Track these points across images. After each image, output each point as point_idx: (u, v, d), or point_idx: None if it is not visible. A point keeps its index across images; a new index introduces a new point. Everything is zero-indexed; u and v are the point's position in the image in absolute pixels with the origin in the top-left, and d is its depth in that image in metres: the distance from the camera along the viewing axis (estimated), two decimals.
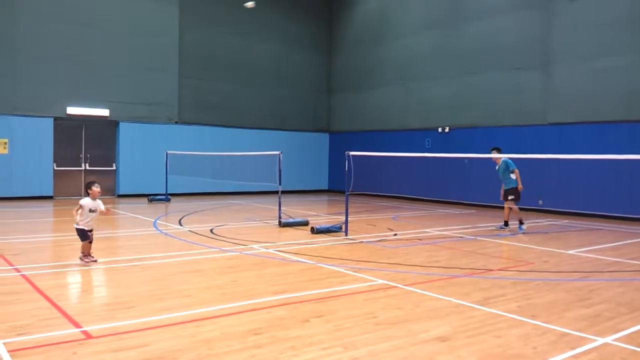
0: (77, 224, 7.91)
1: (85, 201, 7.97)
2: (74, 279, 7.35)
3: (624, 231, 13.11)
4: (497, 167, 12.94)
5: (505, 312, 5.88)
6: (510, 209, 12.75)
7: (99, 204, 8.09)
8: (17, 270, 7.56)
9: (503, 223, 12.97)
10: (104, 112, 19.84)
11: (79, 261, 7.95)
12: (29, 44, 18.33)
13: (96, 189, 8.06)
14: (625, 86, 15.30)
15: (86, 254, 8.02)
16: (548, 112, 17.06)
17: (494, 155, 12.43)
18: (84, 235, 7.92)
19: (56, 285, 6.83)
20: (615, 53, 15.50)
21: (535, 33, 17.34)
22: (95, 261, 8.04)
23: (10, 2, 18.03)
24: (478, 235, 11.91)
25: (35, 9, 18.40)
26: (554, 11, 16.90)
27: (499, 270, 8.23)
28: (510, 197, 12.60)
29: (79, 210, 7.93)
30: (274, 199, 14.31)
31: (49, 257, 9.11)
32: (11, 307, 5.78)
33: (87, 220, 7.92)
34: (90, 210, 7.96)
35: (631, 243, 11.29)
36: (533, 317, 5.71)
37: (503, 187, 12.88)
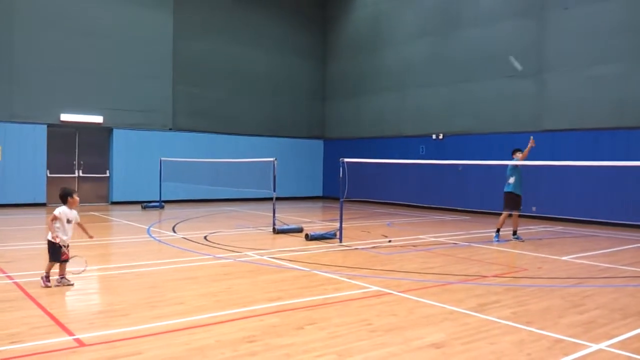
0: (53, 238, 6.94)
1: (63, 210, 7.06)
2: (67, 287, 7.29)
3: (618, 237, 13.15)
4: (517, 166, 11.92)
5: (500, 318, 5.87)
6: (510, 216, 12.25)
7: (76, 215, 7.23)
8: (10, 277, 7.52)
9: (513, 232, 12.27)
10: (98, 119, 19.80)
11: (72, 269, 7.55)
12: (24, 51, 18.31)
13: (77, 197, 7.25)
14: (619, 93, 15.39)
15: (58, 280, 7.07)
16: (542, 119, 17.14)
17: (519, 155, 11.75)
18: (56, 253, 6.95)
19: (49, 293, 6.78)
20: (609, 60, 15.60)
21: (529, 41, 17.44)
22: (70, 284, 7.07)
23: (6, 11, 18.01)
24: (472, 242, 11.91)
25: (30, 17, 18.38)
26: (547, 19, 17.02)
27: (493, 276, 8.24)
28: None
29: (55, 222, 7.00)
30: (268, 205, 14.31)
31: (41, 264, 8.98)
32: (4, 315, 5.74)
33: (61, 233, 7.02)
34: (68, 221, 7.08)
35: (625, 249, 11.33)
36: (527, 323, 5.71)
37: (519, 193, 11.92)
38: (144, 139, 20.73)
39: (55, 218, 7.01)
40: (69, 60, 19.08)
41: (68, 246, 7.15)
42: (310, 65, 25.41)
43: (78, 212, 7.36)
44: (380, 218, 17.05)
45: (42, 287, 6.92)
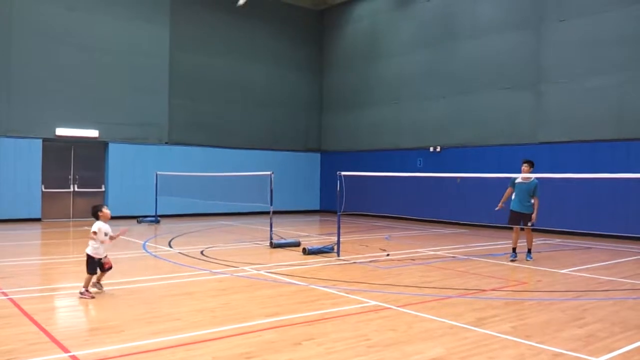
0: (91, 251, 7.31)
1: (101, 224, 7.41)
2: (62, 303, 7.22)
3: (617, 250, 13.13)
4: (517, 180, 11.13)
5: (499, 332, 5.83)
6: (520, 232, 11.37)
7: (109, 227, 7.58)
8: (5, 294, 7.43)
9: (527, 251, 11.34)
10: (94, 133, 19.75)
11: (68, 284, 7.67)
12: (20, 65, 18.28)
13: (107, 210, 7.56)
14: (617, 105, 15.44)
15: (93, 284, 7.43)
16: (539, 131, 17.17)
17: (526, 169, 10.85)
18: (94, 266, 7.32)
19: (44, 309, 6.71)
20: (606, 72, 15.67)
21: (526, 52, 17.53)
22: (101, 291, 7.47)
23: (2, 25, 18.01)
24: (471, 255, 11.88)
25: (27, 32, 18.38)
26: (544, 31, 17.11)
27: (492, 290, 8.19)
28: (530, 223, 11.02)
29: (95, 235, 7.34)
30: (265, 219, 14.23)
31: (37, 280, 8.98)
32: None
33: (98, 246, 7.35)
34: (105, 234, 7.43)
35: (624, 262, 11.30)
36: (527, 337, 5.66)
37: (514, 210, 11.17)
38: (140, 153, 20.68)
39: (95, 234, 7.29)
40: (64, 74, 19.06)
41: (106, 256, 7.45)
42: (306, 77, 25.47)
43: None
44: (378, 231, 17.01)
45: (87, 299, 7.06)
